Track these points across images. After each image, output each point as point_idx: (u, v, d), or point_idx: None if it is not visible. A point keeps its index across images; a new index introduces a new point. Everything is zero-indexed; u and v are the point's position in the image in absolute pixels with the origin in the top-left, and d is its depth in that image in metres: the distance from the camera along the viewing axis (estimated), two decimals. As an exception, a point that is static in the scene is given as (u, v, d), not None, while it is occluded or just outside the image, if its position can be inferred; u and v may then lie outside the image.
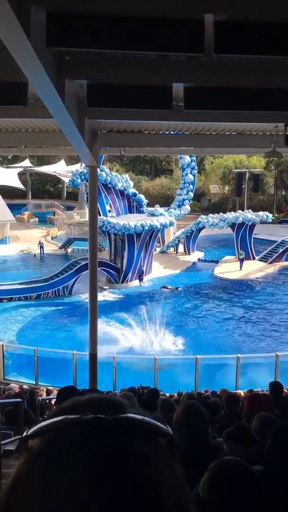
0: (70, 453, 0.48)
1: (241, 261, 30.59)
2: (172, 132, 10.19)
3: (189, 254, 34.15)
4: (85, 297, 22.05)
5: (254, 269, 30.83)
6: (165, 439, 0.52)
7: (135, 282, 27.93)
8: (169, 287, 27.54)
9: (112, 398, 0.56)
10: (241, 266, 30.43)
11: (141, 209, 32.48)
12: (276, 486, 2.26)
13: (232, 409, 4.96)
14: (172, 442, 0.53)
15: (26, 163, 48.57)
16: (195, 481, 2.14)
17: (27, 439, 0.52)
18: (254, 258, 32.31)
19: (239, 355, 14.68)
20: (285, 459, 2.40)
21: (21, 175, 48.83)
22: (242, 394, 10.29)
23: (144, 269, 28.27)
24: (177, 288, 27.46)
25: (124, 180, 31.67)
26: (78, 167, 35.40)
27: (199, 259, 33.86)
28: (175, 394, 10.74)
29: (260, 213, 33.64)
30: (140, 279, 28.11)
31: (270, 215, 34.31)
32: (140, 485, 0.47)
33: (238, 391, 11.70)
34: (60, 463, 0.48)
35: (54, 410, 0.55)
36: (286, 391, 9.51)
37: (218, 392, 9.85)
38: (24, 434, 0.53)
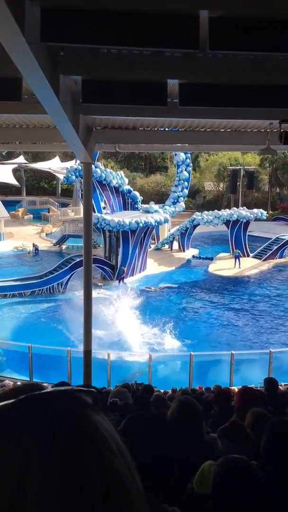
0: (15, 429, 0.54)
1: (238, 259, 30.46)
2: (167, 129, 10.18)
3: (184, 251, 34.16)
4: (79, 294, 22.04)
5: (249, 266, 30.91)
6: (90, 397, 0.61)
7: (130, 279, 27.91)
8: (152, 288, 26.85)
9: (31, 383, 0.64)
10: (239, 264, 30.32)
11: (136, 206, 32.45)
12: (273, 481, 2.28)
13: (224, 405, 4.97)
14: (96, 398, 0.62)
15: (21, 159, 48.38)
16: (190, 475, 2.14)
17: None
18: (248, 255, 32.38)
19: (233, 352, 14.71)
20: (281, 455, 2.41)
21: (15, 171, 48.67)
22: (236, 390, 10.33)
23: (126, 269, 27.38)
24: (156, 288, 26.78)
25: (119, 177, 31.62)
26: (72, 163, 35.32)
27: (193, 256, 33.88)
28: (169, 391, 10.76)
29: (255, 210, 33.71)
30: (120, 279, 26.97)
31: (265, 212, 34.40)
32: (88, 434, 0.55)
33: (232, 387, 11.74)
34: (7, 441, 0.53)
35: None
36: (280, 387, 9.57)
37: (212, 389, 9.88)
38: None
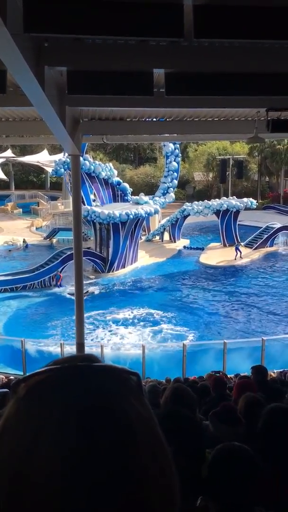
0: (51, 391, 0.56)
1: (238, 250, 30.55)
2: (154, 119, 10.15)
3: (175, 241, 34.21)
4: (71, 287, 22.02)
5: (240, 254, 31.01)
6: (134, 380, 0.60)
7: (121, 271, 27.92)
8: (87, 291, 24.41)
9: (87, 354, 0.64)
10: (240, 255, 30.37)
11: (126, 197, 32.39)
12: (272, 466, 2.30)
13: (220, 392, 5.01)
14: (140, 381, 0.60)
15: (8, 153, 47.95)
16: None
17: (18, 385, 0.59)
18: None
19: (225, 341, 14.82)
20: (278, 442, 2.43)
21: (3, 165, 48.30)
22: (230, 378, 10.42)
23: (62, 274, 25.66)
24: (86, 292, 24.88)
25: (108, 169, 31.50)
26: (61, 156, 35.09)
27: (184, 247, 33.95)
28: (163, 381, 10.82)
29: (245, 199, 33.79)
30: (58, 285, 25.62)
31: (255, 202, 34.49)
32: (113, 414, 0.54)
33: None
34: (42, 400, 0.55)
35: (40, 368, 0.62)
36: (272, 374, 9.66)
37: (204, 377, 9.95)
38: (14, 381, 0.59)
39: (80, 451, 0.50)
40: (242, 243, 31.44)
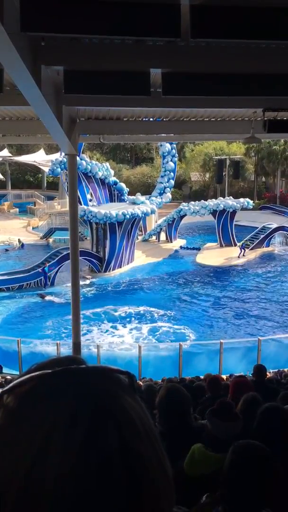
0: (48, 398, 0.54)
1: (243, 249, 30.66)
2: (151, 119, 10.15)
3: (171, 242, 34.24)
4: (67, 286, 21.98)
5: (236, 255, 31.09)
6: (126, 378, 0.60)
7: (118, 271, 27.91)
8: (45, 296, 24.28)
9: (72, 356, 0.63)
10: (243, 253, 30.58)
11: (123, 197, 32.37)
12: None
13: (215, 392, 5.02)
14: (132, 380, 0.61)
15: (5, 152, 47.81)
16: (177, 461, 2.17)
17: (2, 396, 0.57)
18: (235, 245, 32.57)
19: (222, 341, 14.84)
20: (272, 439, 2.44)
21: None
22: (225, 378, 10.45)
23: (55, 269, 25.29)
24: (43, 296, 24.37)
25: (104, 169, 31.47)
26: (57, 156, 35.04)
27: (181, 247, 33.98)
28: (159, 381, 10.83)
29: (241, 199, 33.84)
30: (46, 283, 25.29)
31: (251, 202, 34.53)
32: (118, 414, 0.55)
33: (222, 375, 11.84)
34: (42, 408, 0.54)
35: (20, 374, 0.60)
36: (268, 374, 9.69)
37: (202, 377, 9.97)
38: (0, 391, 0.57)
39: (91, 453, 0.51)
40: (248, 242, 31.58)
